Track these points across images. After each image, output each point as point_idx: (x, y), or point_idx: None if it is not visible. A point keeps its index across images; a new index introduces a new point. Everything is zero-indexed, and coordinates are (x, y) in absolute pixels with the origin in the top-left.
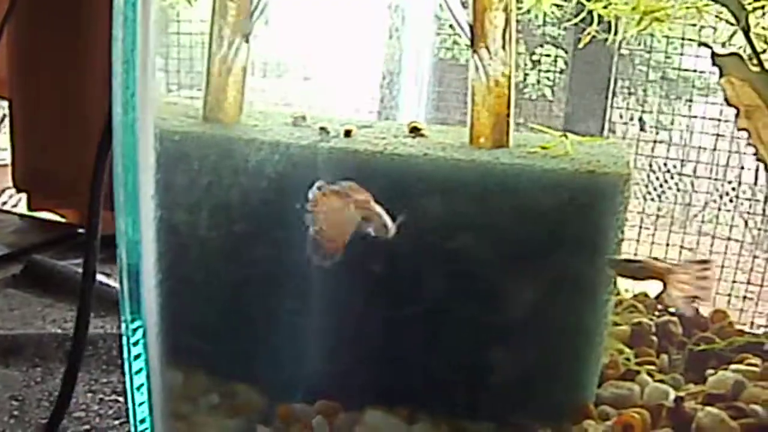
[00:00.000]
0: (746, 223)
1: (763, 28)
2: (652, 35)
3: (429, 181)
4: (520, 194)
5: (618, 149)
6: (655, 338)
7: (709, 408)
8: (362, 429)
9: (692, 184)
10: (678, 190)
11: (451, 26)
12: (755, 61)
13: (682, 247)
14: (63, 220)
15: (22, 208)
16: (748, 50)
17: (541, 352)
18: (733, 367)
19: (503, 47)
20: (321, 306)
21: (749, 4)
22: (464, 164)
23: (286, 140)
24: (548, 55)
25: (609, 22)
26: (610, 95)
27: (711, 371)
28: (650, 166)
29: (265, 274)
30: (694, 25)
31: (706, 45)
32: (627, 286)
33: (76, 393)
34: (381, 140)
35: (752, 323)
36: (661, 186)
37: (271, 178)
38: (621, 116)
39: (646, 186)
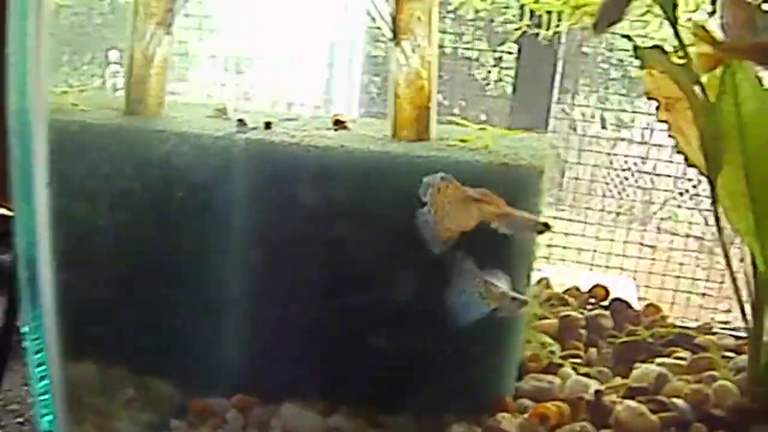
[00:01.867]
0: (706, 220)
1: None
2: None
3: (344, 173)
4: None
5: (541, 143)
6: (584, 331)
7: (628, 401)
8: (278, 422)
9: (652, 182)
10: (638, 187)
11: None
12: (682, 53)
13: (641, 244)
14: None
15: None
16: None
17: (456, 346)
18: (659, 360)
19: (425, 40)
20: (236, 300)
21: None
22: (379, 156)
23: (199, 132)
24: (510, 53)
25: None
26: (555, 91)
27: (639, 365)
28: (611, 163)
29: (176, 267)
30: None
31: (627, 38)
32: (561, 281)
33: (11, 385)
34: (300, 132)
35: (712, 319)
36: (621, 183)
37: (182, 169)
38: (583, 114)
39: (607, 184)
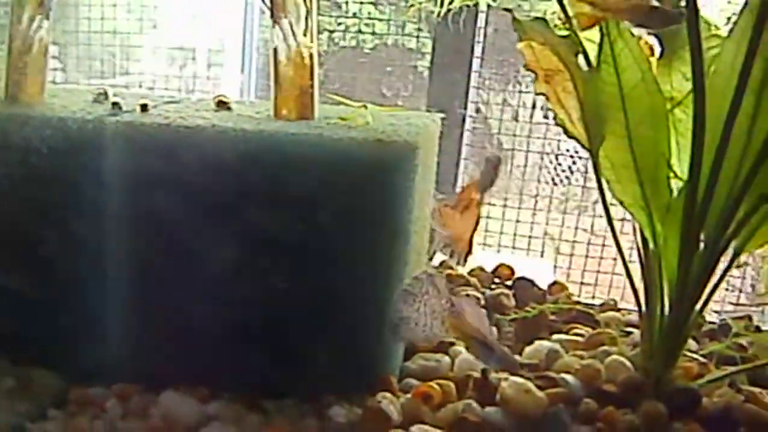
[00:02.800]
0: None
1: None
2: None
3: (216, 152)
4: (308, 163)
5: (426, 120)
6: (484, 310)
7: (514, 378)
8: (158, 410)
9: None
10: (584, 174)
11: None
12: (568, 26)
13: (584, 229)
14: None
15: None
16: None
17: (339, 328)
18: (555, 336)
19: (305, 18)
20: (114, 287)
21: None
22: (251, 134)
23: (70, 116)
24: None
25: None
26: (472, 75)
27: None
28: (557, 150)
29: (51, 254)
30: None
31: (507, 10)
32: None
33: None
34: (176, 114)
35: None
36: (567, 170)
37: (53, 154)
38: (524, 103)
39: (555, 170)
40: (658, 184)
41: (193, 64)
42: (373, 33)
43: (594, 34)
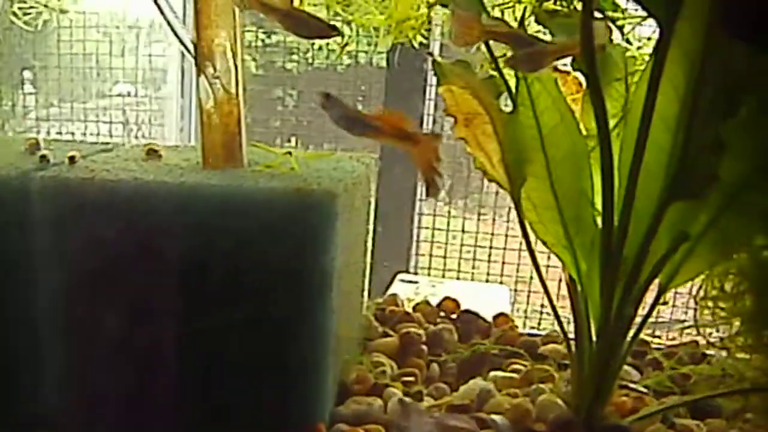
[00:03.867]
0: None
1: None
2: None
3: (137, 206)
4: (227, 216)
5: (355, 165)
6: (425, 347)
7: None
8: None
9: None
10: None
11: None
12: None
13: None
14: None
15: None
16: None
17: (261, 378)
18: (492, 374)
19: (230, 65)
20: (36, 344)
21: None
22: (171, 187)
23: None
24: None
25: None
26: (426, 100)
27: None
28: None
29: None
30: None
31: (429, 54)
32: (409, 296)
33: None
34: (103, 166)
35: None
36: None
37: None
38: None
39: None
40: (580, 223)
41: (164, 86)
42: (348, 53)
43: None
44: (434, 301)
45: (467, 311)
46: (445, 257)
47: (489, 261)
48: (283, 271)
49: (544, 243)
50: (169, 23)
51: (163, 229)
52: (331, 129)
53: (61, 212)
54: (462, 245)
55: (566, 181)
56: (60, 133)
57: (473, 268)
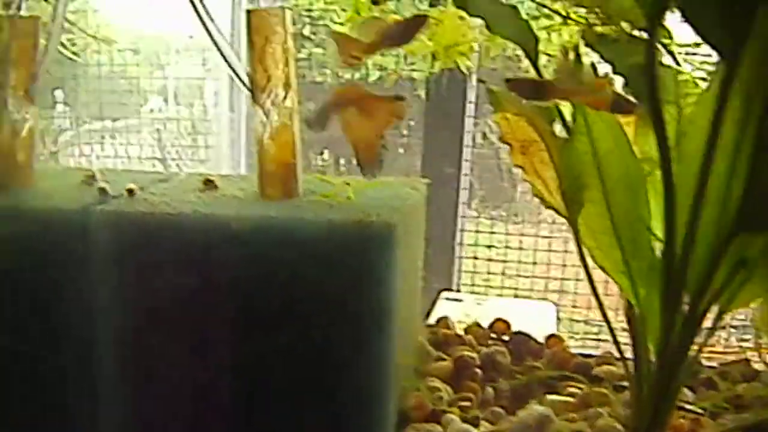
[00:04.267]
0: None
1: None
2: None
3: (200, 240)
4: (286, 249)
5: (409, 191)
6: (479, 370)
7: None
8: None
9: None
10: None
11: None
12: None
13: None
14: None
15: None
16: None
17: (321, 409)
18: (549, 398)
19: (285, 97)
20: (100, 388)
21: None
22: (233, 220)
23: (56, 207)
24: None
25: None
26: (465, 132)
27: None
28: None
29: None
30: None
31: (481, 81)
32: (460, 318)
33: None
34: (162, 198)
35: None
36: None
37: (38, 252)
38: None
39: None
40: (637, 248)
41: (200, 102)
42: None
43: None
44: (481, 318)
45: (519, 332)
46: (488, 273)
47: (532, 276)
48: (343, 303)
49: (602, 268)
50: (222, 54)
51: (223, 262)
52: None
53: (122, 246)
54: (505, 261)
55: (623, 206)
56: (92, 150)
57: (515, 283)
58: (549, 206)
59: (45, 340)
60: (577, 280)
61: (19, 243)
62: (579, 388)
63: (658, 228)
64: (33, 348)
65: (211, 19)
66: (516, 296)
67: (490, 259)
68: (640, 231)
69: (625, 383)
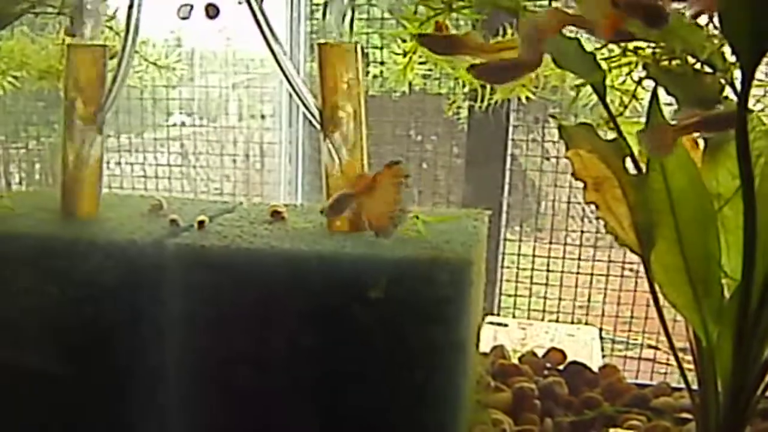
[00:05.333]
0: None
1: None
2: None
3: (276, 275)
4: (362, 285)
5: (475, 224)
6: (538, 402)
7: None
8: None
9: None
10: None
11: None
12: (612, 125)
13: (623, 267)
14: None
15: None
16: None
17: None
18: (612, 431)
19: (355, 131)
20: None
21: (611, 60)
22: (307, 255)
23: (128, 239)
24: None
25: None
26: (506, 162)
27: None
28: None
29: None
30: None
31: (553, 117)
32: (515, 347)
33: None
34: (233, 230)
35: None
36: (593, 212)
37: (112, 283)
38: (554, 142)
39: (583, 209)
40: (709, 285)
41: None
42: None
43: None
44: (525, 344)
45: (574, 362)
46: (529, 296)
47: (575, 299)
48: (418, 338)
49: (673, 305)
50: (294, 87)
51: (300, 296)
52: (389, 154)
53: (198, 280)
54: (547, 284)
55: (695, 243)
56: (119, 164)
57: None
58: (623, 243)
59: (114, 374)
60: (618, 303)
61: (92, 275)
62: (638, 420)
63: (726, 265)
64: (102, 380)
65: (283, 50)
66: (548, 319)
67: (531, 282)
68: (711, 268)
69: (686, 416)
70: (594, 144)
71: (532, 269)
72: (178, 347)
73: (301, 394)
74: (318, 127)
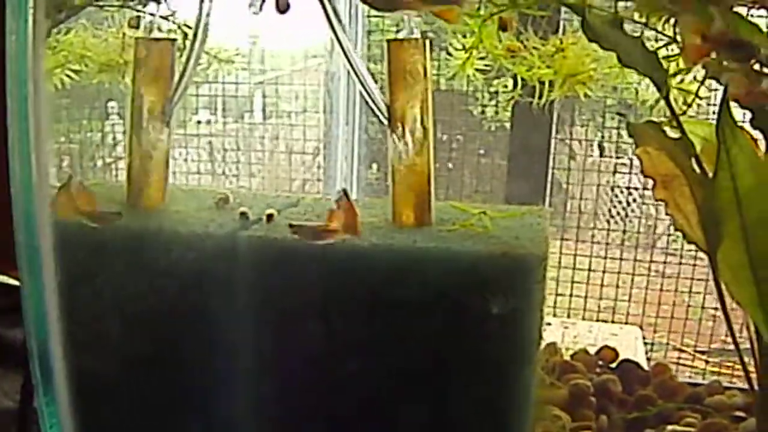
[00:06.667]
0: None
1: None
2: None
3: (350, 269)
4: (434, 278)
5: (539, 221)
6: (593, 399)
7: None
8: None
9: (656, 209)
10: (641, 213)
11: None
12: (674, 124)
13: (648, 270)
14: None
15: None
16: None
17: None
18: (669, 428)
19: (421, 127)
20: (244, 406)
21: (669, 59)
22: (381, 249)
23: (201, 231)
24: (506, 86)
25: (533, 86)
26: (551, 157)
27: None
28: (612, 190)
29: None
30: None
31: (621, 114)
32: (567, 344)
33: None
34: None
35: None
36: (624, 210)
37: (187, 274)
38: (580, 142)
39: (609, 211)
40: None
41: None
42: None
43: (702, 128)
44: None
45: (626, 360)
46: (570, 295)
47: (615, 299)
48: (491, 334)
49: (738, 303)
50: (362, 84)
51: (372, 290)
52: None
53: (270, 272)
54: (588, 283)
55: (761, 242)
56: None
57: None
58: (690, 241)
59: (186, 368)
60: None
61: (165, 266)
62: (694, 418)
63: None
64: (175, 373)
65: (354, 46)
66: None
67: (572, 281)
68: None
69: (741, 414)
70: (661, 142)
71: (574, 268)
72: (272, 336)
73: (371, 390)
74: (385, 122)
